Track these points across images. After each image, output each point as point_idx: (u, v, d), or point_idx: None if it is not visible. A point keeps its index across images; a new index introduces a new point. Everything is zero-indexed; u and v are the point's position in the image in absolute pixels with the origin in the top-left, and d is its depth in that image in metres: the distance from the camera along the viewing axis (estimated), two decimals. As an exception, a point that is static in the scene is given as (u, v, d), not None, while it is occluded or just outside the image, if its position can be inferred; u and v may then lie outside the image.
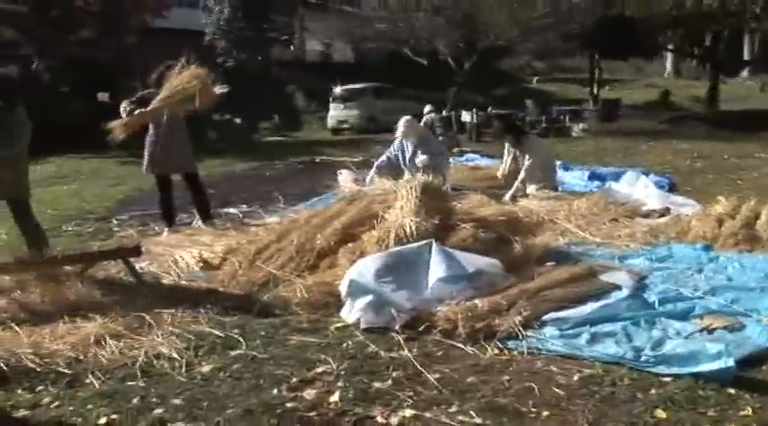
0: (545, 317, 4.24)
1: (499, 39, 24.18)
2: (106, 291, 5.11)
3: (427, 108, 17.25)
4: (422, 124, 16.28)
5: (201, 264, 5.89)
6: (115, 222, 8.36)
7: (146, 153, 7.49)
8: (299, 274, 5.24)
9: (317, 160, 14.95)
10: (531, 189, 8.32)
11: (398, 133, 8.96)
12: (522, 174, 8.51)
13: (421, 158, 8.52)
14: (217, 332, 4.29)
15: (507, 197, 8.21)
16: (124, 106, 7.15)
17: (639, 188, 8.40)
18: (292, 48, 31.93)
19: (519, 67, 39.41)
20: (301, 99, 29.43)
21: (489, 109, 22.48)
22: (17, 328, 4.39)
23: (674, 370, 3.49)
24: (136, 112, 7.03)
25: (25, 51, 19.53)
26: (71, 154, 16.83)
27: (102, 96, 20.74)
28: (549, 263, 5.27)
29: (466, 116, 21.23)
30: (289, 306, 4.75)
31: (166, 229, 7.39)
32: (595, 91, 28.11)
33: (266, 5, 27.59)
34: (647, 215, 7.15)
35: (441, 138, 15.24)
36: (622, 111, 24.75)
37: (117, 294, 5.07)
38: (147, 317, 4.48)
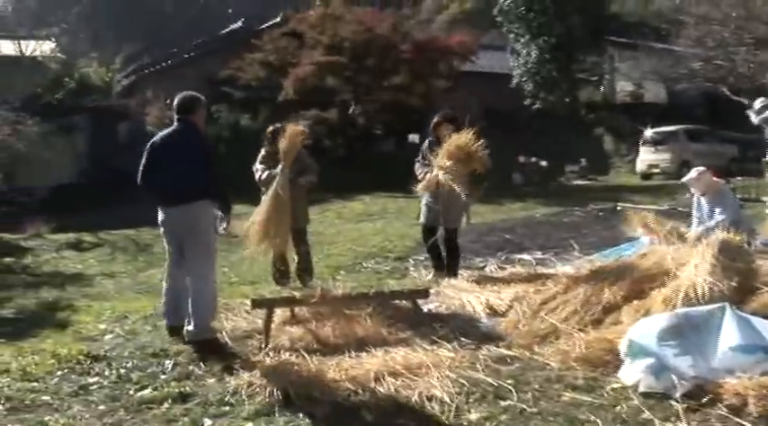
0: None
1: None
2: (392, 330, 5.43)
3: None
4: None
5: (488, 310, 6.01)
6: (411, 262, 8.77)
7: (423, 205, 7.63)
8: (581, 328, 5.13)
9: (617, 207, 14.49)
10: None
11: (687, 184, 7.84)
12: None
13: (718, 218, 7.23)
14: (491, 381, 4.35)
15: None
16: (419, 172, 7.43)
17: None
18: (602, 89, 31.34)
19: None
20: (610, 141, 28.71)
21: (823, 154, 20.10)
22: (307, 356, 4.83)
23: None
24: (433, 178, 7.25)
25: (344, 97, 21.41)
26: (380, 192, 18.00)
27: (413, 138, 22.03)
28: None
29: (796, 163, 19.20)
30: (567, 361, 4.67)
31: (432, 272, 7.60)
32: None
33: (575, 46, 27.40)
34: None
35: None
36: None
37: (402, 333, 5.36)
38: (427, 359, 4.66)
